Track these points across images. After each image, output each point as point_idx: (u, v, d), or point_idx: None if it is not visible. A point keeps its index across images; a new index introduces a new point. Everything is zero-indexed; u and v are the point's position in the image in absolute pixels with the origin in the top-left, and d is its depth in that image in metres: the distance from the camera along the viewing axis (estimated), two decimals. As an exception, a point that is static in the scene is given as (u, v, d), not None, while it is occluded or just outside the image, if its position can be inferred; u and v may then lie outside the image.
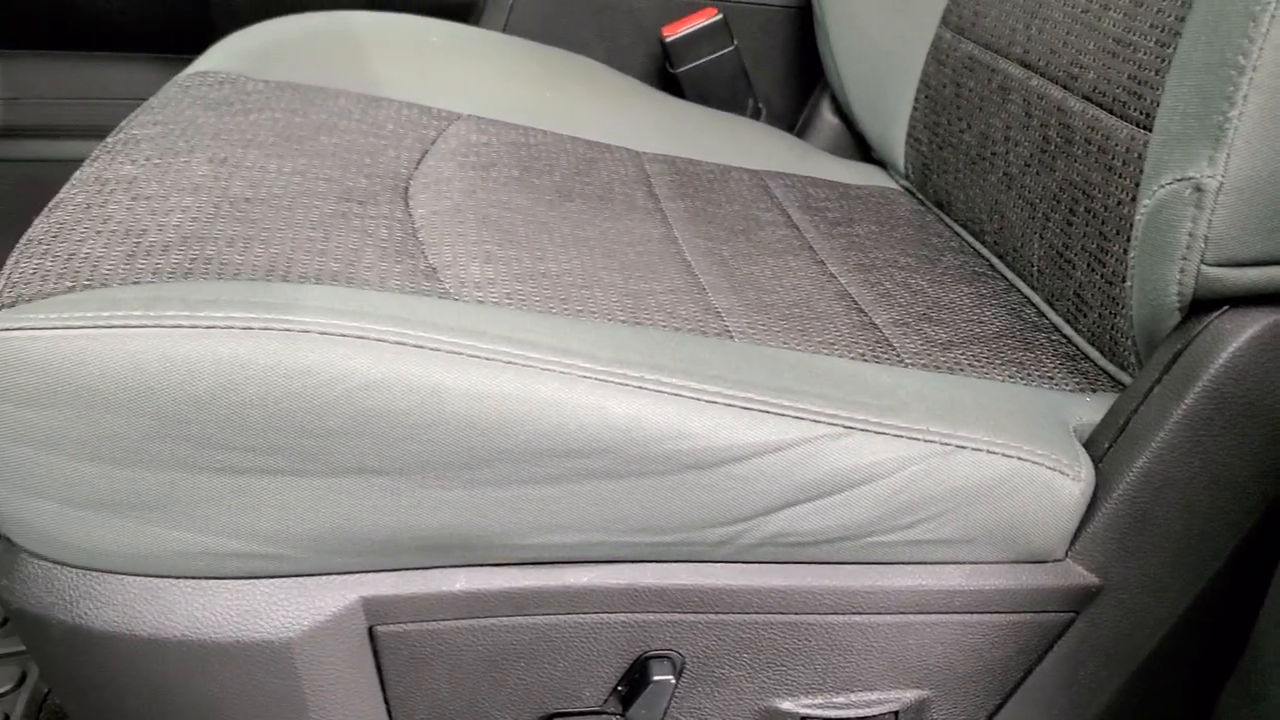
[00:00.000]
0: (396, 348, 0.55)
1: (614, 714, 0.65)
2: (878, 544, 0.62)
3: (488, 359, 0.56)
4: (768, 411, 0.59)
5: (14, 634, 1.07)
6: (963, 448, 0.62)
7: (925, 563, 0.64)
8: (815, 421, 0.60)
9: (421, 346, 0.56)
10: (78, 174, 0.81)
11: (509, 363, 0.56)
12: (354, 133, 0.90)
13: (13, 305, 0.60)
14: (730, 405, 0.58)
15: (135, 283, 0.62)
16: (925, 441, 0.61)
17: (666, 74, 1.24)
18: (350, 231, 0.73)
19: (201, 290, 0.58)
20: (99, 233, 0.69)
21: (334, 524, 0.57)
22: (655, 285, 0.78)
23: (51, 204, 0.77)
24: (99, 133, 1.24)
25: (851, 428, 0.60)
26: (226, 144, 0.84)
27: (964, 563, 0.64)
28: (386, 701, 0.63)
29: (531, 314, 0.63)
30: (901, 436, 0.61)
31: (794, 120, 1.27)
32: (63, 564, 0.59)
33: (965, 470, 0.61)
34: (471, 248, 0.76)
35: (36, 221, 0.74)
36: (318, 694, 0.60)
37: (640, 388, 0.57)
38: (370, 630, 0.61)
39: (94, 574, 0.59)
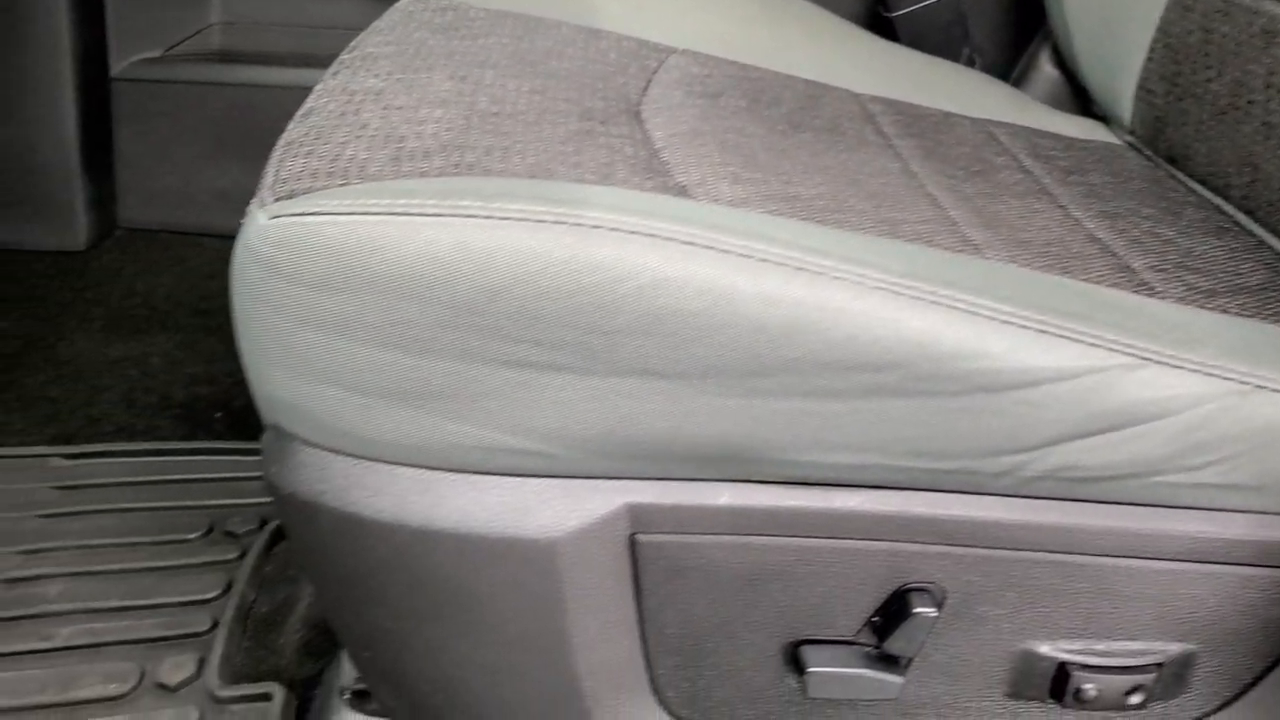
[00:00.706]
0: (687, 248, 0.54)
1: (868, 645, 0.63)
2: (1163, 484, 0.59)
3: (779, 263, 0.55)
4: (1064, 336, 0.56)
5: (219, 542, 1.11)
6: (1262, 388, 0.58)
7: (1210, 509, 0.61)
8: (1111, 350, 0.57)
9: (712, 248, 0.54)
10: (321, 85, 0.82)
11: (800, 268, 0.55)
12: (580, 59, 0.90)
13: (289, 197, 0.61)
14: (1026, 327, 0.56)
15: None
16: (1223, 379, 0.58)
17: (879, 18, 1.21)
18: (598, 148, 0.72)
19: (491, 185, 0.58)
20: (358, 137, 0.70)
21: (608, 426, 0.56)
22: (906, 215, 0.76)
23: (303, 111, 0.77)
24: (309, 61, 1.26)
25: (1147, 359, 0.57)
26: (462, 64, 0.84)
27: (1252, 511, 0.61)
28: (639, 611, 0.62)
29: (814, 224, 0.62)
30: (1198, 372, 0.57)
31: (1007, 71, 1.23)
32: (336, 452, 0.60)
33: (1265, 411, 0.58)
34: (717, 168, 0.74)
35: (291, 126, 0.75)
36: (576, 596, 0.60)
37: (935, 303, 0.55)
38: (631, 538, 0.60)
39: (367, 463, 0.59)
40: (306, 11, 1.24)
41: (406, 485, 0.58)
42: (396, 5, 1.00)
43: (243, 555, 1.08)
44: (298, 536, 0.63)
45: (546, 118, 0.75)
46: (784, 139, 0.85)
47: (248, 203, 1.30)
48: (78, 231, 1.24)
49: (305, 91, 1.18)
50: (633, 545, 0.60)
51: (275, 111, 1.24)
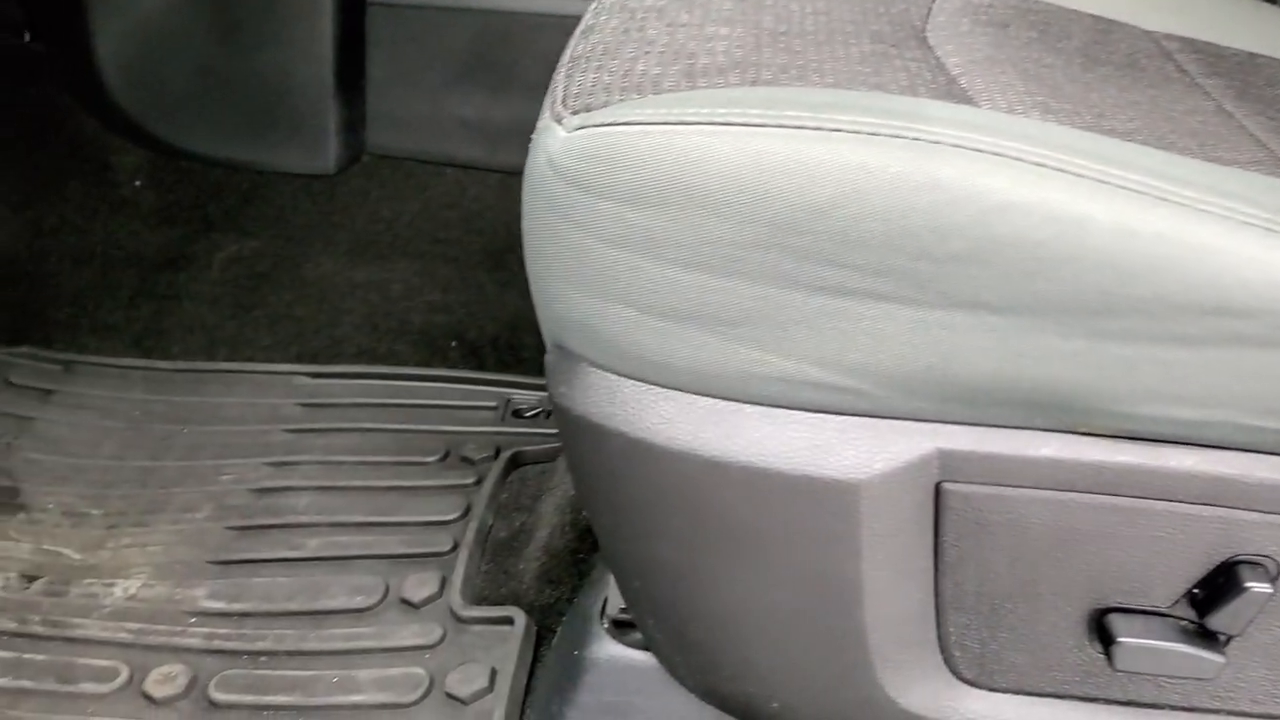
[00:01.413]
0: (1038, 169, 0.49)
1: (1185, 619, 0.58)
2: None
3: (1139, 191, 0.49)
4: None
5: (456, 467, 1.12)
6: None
7: None
8: None
9: (1065, 170, 0.49)
10: (597, 3, 0.79)
11: (1162, 198, 0.49)
12: (859, -19, 0.85)
13: (587, 110, 0.59)
14: None
15: (707, 97, 0.59)
16: None
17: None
18: (895, 70, 0.67)
19: (817, 94, 0.54)
20: (646, 53, 0.67)
21: (927, 363, 0.52)
22: (1236, 156, 0.68)
23: (583, 28, 0.75)
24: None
25: None
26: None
27: None
28: (937, 564, 0.58)
29: (1167, 151, 0.56)
30: None
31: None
32: (627, 376, 0.58)
33: None
34: (1023, 98, 0.68)
35: (574, 43, 0.73)
36: (873, 542, 0.56)
37: (1317, 243, 0.49)
38: (938, 486, 0.56)
39: (659, 389, 0.57)
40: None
41: (701, 414, 0.56)
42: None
43: (479, 481, 1.09)
44: (581, 459, 0.62)
45: (836, 38, 0.71)
46: (1084, 72, 0.78)
47: (491, 134, 1.30)
48: (328, 156, 1.26)
49: (561, 20, 1.16)
50: (938, 493, 0.56)
51: (526, 41, 1.23)
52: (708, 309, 0.53)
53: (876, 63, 0.67)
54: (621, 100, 0.59)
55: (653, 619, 0.65)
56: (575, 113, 0.59)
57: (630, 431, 0.57)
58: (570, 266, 0.57)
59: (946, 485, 0.56)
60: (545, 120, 0.61)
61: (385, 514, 1.05)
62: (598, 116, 0.56)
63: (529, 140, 1.33)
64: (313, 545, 1.02)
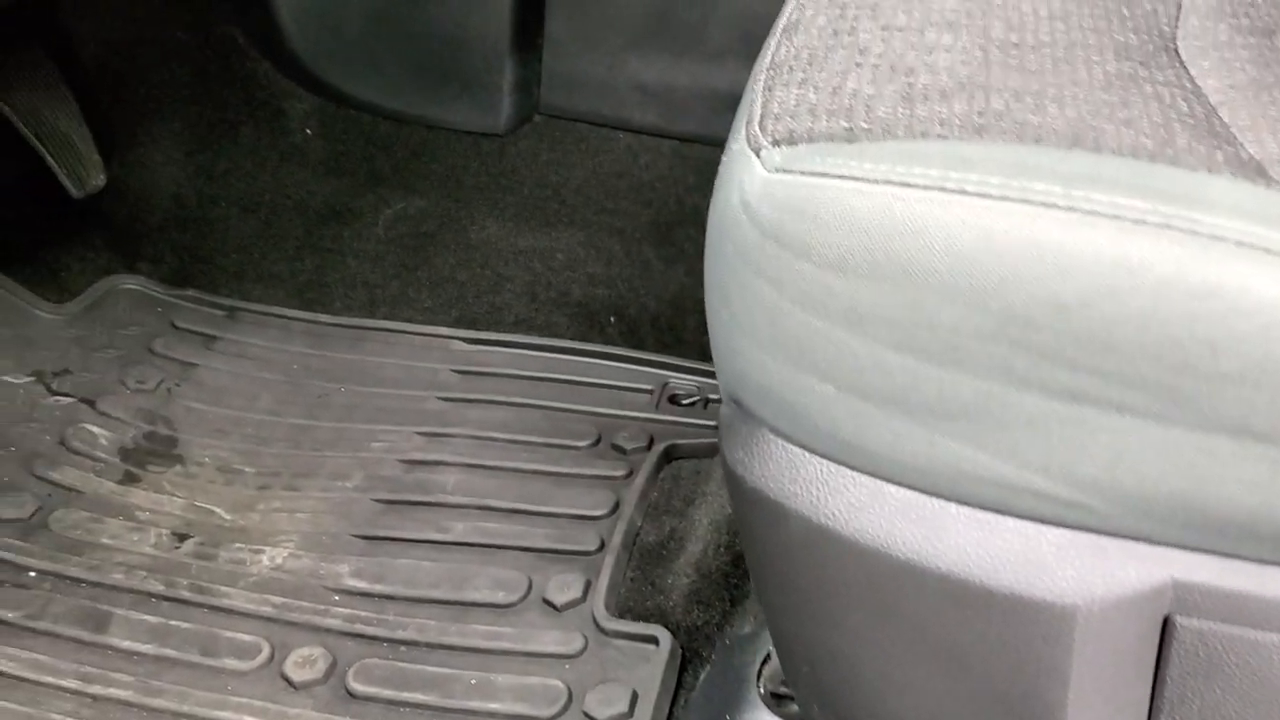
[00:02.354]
0: (1344, 280, 0.41)
1: None
2: None
3: None
4: None
5: (606, 456, 1.08)
6: None
7: None
8: None
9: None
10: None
11: None
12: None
13: (790, 142, 0.52)
14: None
15: (924, 135, 0.51)
16: None
17: None
18: (1146, 99, 0.58)
19: (1071, 161, 0.46)
20: (859, 65, 0.59)
21: (1174, 487, 0.45)
22: None
23: (785, 23, 0.67)
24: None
25: None
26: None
27: None
28: (1153, 701, 0.51)
29: None
30: None
31: None
32: (812, 451, 0.51)
33: None
34: (1301, 141, 0.58)
35: (774, 43, 0.65)
36: (1083, 671, 0.49)
37: None
38: (1166, 618, 0.48)
39: (851, 472, 0.50)
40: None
41: (897, 507, 0.49)
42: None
43: (630, 474, 1.05)
44: (752, 531, 0.56)
45: (1077, 53, 0.62)
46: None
47: (670, 100, 1.22)
48: (500, 115, 1.22)
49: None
50: (1166, 626, 0.49)
51: (712, 4, 1.15)
52: (918, 397, 0.47)
53: (1124, 89, 0.58)
54: (830, 133, 0.52)
55: (818, 705, 0.60)
56: (777, 143, 0.52)
57: (813, 516, 0.51)
58: (759, 325, 0.50)
59: (1178, 618, 0.48)
60: (740, 144, 0.54)
61: (533, 502, 1.02)
62: (804, 158, 0.49)
63: (709, 108, 1.25)
64: (459, 529, 1.00)
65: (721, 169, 0.56)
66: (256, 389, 1.18)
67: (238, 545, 0.99)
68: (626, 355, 1.17)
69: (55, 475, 1.05)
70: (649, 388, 1.15)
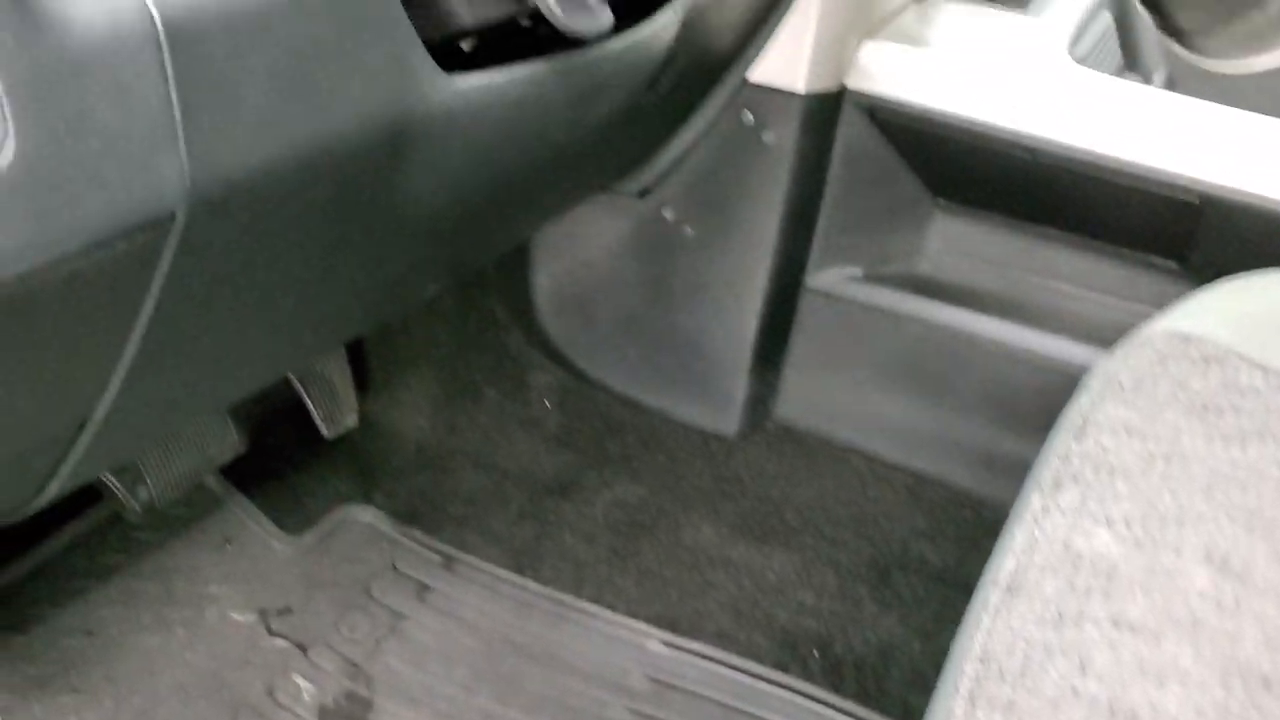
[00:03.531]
0: None
1: None
2: None
3: None
4: None
5: None
6: None
7: None
8: None
9: None
10: (1032, 510, 0.66)
11: None
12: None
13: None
14: None
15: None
16: None
17: None
18: None
19: None
20: (1075, 692, 0.54)
21: None
22: None
23: (1009, 575, 0.62)
24: (1021, 313, 1.11)
25: None
26: (1224, 515, 0.64)
27: None
28: None
29: None
30: None
31: None
32: None
33: None
34: None
35: (993, 604, 0.61)
36: None
37: None
38: None
39: None
40: (1032, 257, 1.08)
41: None
42: (1147, 334, 0.80)
43: None
44: None
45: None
46: None
47: (909, 437, 1.17)
48: (732, 419, 1.21)
49: (1004, 350, 1.02)
50: None
51: (964, 361, 1.10)
52: None
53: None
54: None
55: None
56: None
57: None
58: None
59: None
60: None
61: None
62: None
63: (949, 454, 1.19)
64: None
65: None
66: (457, 655, 1.21)
67: None
68: (828, 700, 1.12)
69: (256, 733, 1.10)
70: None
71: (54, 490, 0.74)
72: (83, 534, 1.21)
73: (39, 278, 0.51)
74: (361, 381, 1.34)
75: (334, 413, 1.31)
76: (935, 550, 1.14)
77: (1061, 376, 0.97)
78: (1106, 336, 0.88)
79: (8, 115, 0.47)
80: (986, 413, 1.07)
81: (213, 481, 1.31)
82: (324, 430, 1.30)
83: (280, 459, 1.35)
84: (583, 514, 1.27)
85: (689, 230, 1.16)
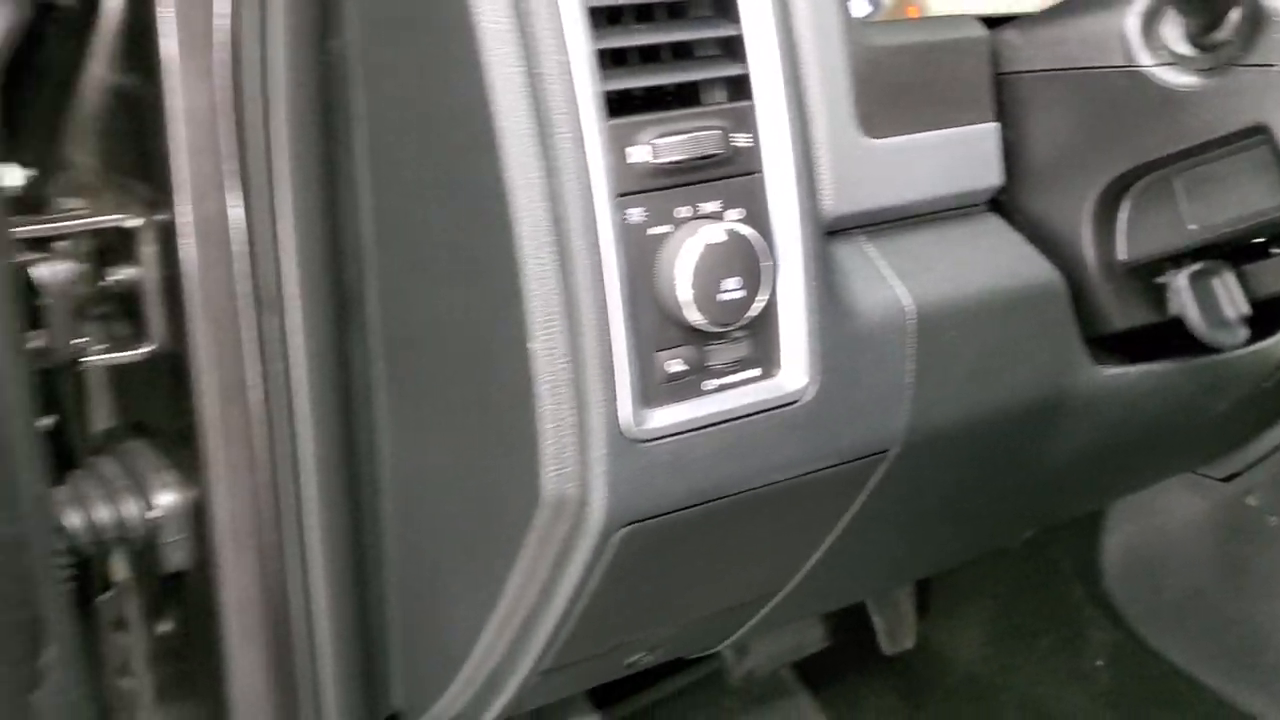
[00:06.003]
0: None
1: None
2: None
3: None
4: None
5: None
6: None
7: None
8: None
9: None
10: None
11: None
12: None
13: None
14: None
15: None
16: None
17: None
18: None
19: None
20: None
21: None
22: None
23: None
24: None
25: None
26: None
27: None
28: None
29: None
30: None
31: None
32: None
33: None
34: None
35: None
36: None
37: None
38: None
39: None
40: None
41: None
42: None
43: None
44: None
45: None
46: None
47: None
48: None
49: None
50: None
51: None
52: None
53: None
54: None
55: None
56: None
57: None
58: None
59: None
60: None
61: None
62: None
63: None
64: None
65: None
66: None
67: None
68: None
69: None
70: None
71: (726, 643, 0.96)
72: (681, 688, 1.44)
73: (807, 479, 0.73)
74: (923, 605, 1.48)
75: (896, 630, 1.47)
76: None
77: None
78: None
79: (806, 363, 0.69)
80: None
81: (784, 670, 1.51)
82: (884, 645, 1.46)
83: (843, 660, 1.51)
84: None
85: (1273, 520, 1.20)
